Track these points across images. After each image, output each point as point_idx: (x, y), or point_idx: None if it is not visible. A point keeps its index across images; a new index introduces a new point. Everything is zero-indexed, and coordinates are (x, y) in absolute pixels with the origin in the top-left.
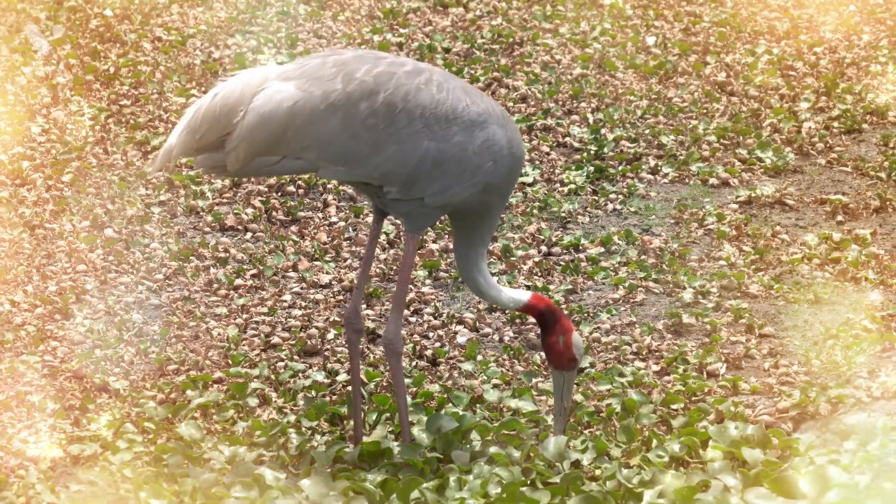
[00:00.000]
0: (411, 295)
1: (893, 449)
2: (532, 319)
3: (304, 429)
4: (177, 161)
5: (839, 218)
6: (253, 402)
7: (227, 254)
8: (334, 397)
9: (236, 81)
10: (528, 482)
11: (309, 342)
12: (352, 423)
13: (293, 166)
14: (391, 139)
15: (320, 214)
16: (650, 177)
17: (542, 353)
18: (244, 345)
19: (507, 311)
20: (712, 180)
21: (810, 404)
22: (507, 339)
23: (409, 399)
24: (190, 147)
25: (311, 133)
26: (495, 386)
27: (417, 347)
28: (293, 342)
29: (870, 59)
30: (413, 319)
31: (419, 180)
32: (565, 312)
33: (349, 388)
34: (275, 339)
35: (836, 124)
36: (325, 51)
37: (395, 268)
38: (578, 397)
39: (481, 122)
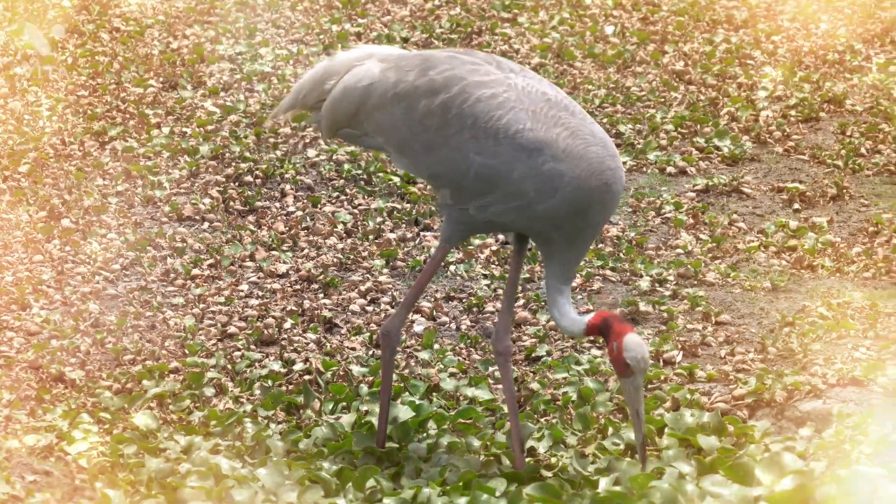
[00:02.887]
0: (368, 284)
1: (848, 436)
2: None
3: (260, 418)
4: (285, 114)
5: (796, 206)
6: (209, 391)
7: (185, 244)
8: (290, 387)
9: (347, 53)
10: (485, 471)
11: (266, 332)
12: (308, 412)
13: (373, 145)
14: (443, 143)
15: (277, 204)
16: None
17: None
18: (201, 334)
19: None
20: (669, 169)
21: (766, 391)
22: (464, 327)
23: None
24: (296, 104)
25: (378, 117)
26: (452, 374)
27: (374, 336)
28: (250, 332)
29: (827, 48)
30: (370, 308)
31: (467, 190)
32: (619, 317)
33: (306, 377)
34: (231, 329)
35: (793, 113)
36: (449, 49)
37: (352, 257)
38: (535, 385)
39: (532, 149)
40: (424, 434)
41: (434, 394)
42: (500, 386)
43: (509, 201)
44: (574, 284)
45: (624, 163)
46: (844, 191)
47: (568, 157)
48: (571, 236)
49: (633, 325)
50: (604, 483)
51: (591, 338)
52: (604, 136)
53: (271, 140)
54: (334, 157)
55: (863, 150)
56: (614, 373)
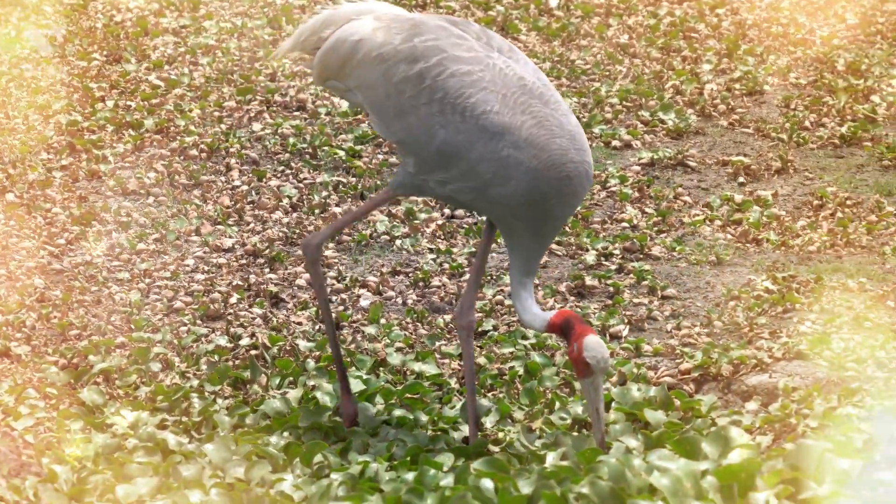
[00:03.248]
0: None
1: (794, 409)
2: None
3: (206, 393)
4: (287, 54)
5: (741, 179)
6: (155, 366)
7: (130, 218)
8: (237, 362)
9: (350, 6)
10: (433, 446)
11: (212, 307)
12: (255, 387)
13: (354, 101)
14: (412, 111)
15: (223, 178)
16: None
17: (443, 316)
18: (146, 309)
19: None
20: (615, 142)
21: (712, 365)
22: (410, 302)
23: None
24: (295, 47)
25: (360, 74)
26: (399, 349)
27: (321, 311)
28: (196, 307)
29: (771, 21)
30: None
31: (427, 162)
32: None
33: (252, 352)
34: (177, 304)
35: (737, 86)
36: (445, 17)
37: (297, 231)
38: (482, 360)
39: (494, 132)
40: (373, 408)
41: (381, 369)
42: (446, 360)
43: (466, 181)
44: None
45: None
46: (789, 164)
47: (529, 146)
48: (532, 228)
49: (593, 327)
50: (551, 458)
51: (552, 335)
52: (573, 129)
53: (216, 114)
54: (279, 130)
55: (807, 124)
56: (574, 373)
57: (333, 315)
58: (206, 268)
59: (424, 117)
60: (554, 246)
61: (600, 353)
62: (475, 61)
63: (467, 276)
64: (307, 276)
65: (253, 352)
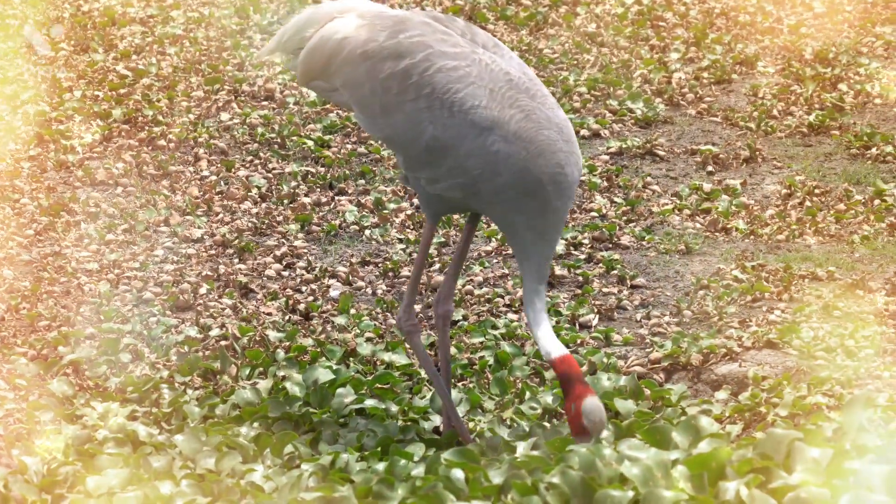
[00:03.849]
0: (283, 248)
1: (764, 398)
2: None
3: (176, 384)
4: (269, 56)
5: (709, 168)
6: (125, 357)
7: (98, 209)
8: (207, 352)
9: (332, 4)
10: (403, 436)
11: (181, 297)
12: (225, 377)
13: (340, 100)
14: (398, 107)
15: (192, 169)
16: None
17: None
18: (116, 300)
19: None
20: (583, 132)
21: (682, 355)
22: (380, 292)
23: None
24: (277, 48)
25: (345, 73)
26: (369, 339)
27: (290, 301)
28: (165, 297)
29: (739, 10)
30: (286, 273)
31: (415, 159)
32: (579, 364)
33: (222, 343)
34: (147, 295)
35: (705, 75)
36: (428, 13)
37: (266, 222)
38: (452, 350)
39: (483, 127)
40: (343, 399)
41: (351, 359)
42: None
43: (455, 177)
44: (489, 248)
45: None
46: (757, 153)
47: (517, 139)
48: (534, 223)
49: (591, 388)
50: (521, 447)
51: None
52: (561, 122)
53: (184, 104)
54: (248, 120)
55: (775, 112)
56: (569, 430)
57: (303, 306)
58: (176, 258)
59: (412, 113)
60: None
61: (599, 417)
62: (461, 57)
63: (436, 266)
64: (277, 266)
65: (223, 342)
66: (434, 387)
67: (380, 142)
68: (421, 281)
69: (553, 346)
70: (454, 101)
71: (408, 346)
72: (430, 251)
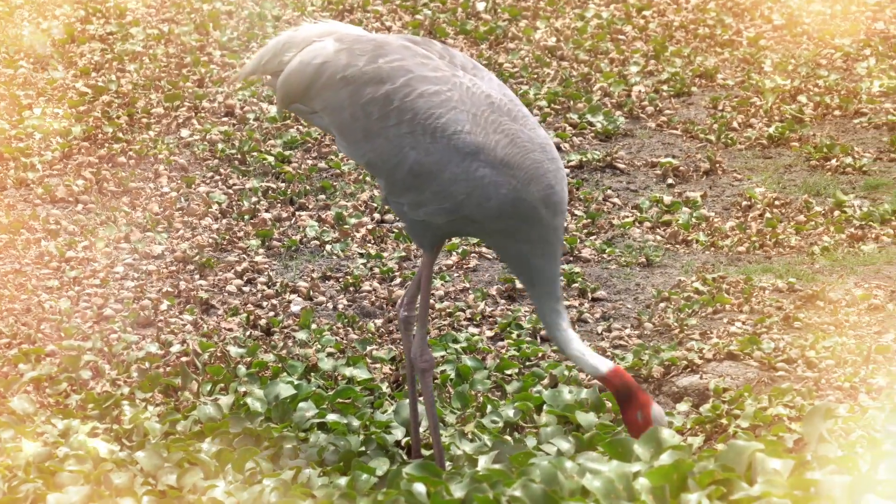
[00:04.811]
0: (244, 264)
1: (725, 410)
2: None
3: (137, 401)
4: (248, 78)
5: (670, 181)
6: (86, 374)
7: (59, 226)
8: (168, 369)
9: (310, 27)
10: (365, 450)
11: (142, 314)
12: (186, 393)
13: (320, 124)
14: (380, 132)
15: (152, 185)
16: None
17: (374, 321)
18: (77, 317)
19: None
20: None
21: (643, 367)
22: (341, 307)
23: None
24: (256, 70)
25: (326, 97)
26: (330, 354)
27: (251, 317)
28: (126, 314)
29: (698, 23)
30: (246, 289)
31: (398, 184)
32: (632, 379)
33: (183, 359)
34: (107, 311)
35: (665, 87)
36: (406, 36)
37: (227, 238)
38: None
39: (467, 153)
40: (304, 414)
41: (312, 374)
42: (377, 365)
43: (440, 202)
44: (450, 262)
45: None
46: (717, 165)
47: (505, 166)
48: (539, 248)
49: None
50: (483, 461)
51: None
52: (543, 141)
53: (144, 120)
54: (208, 136)
55: (734, 125)
56: (628, 432)
57: (264, 321)
58: (136, 275)
59: (394, 139)
60: (483, 249)
61: (665, 422)
62: (442, 81)
63: (397, 281)
64: (238, 281)
65: (184, 358)
66: (430, 429)
67: (360, 166)
68: (381, 294)
69: (599, 362)
70: (436, 127)
71: (419, 384)
72: (390, 265)
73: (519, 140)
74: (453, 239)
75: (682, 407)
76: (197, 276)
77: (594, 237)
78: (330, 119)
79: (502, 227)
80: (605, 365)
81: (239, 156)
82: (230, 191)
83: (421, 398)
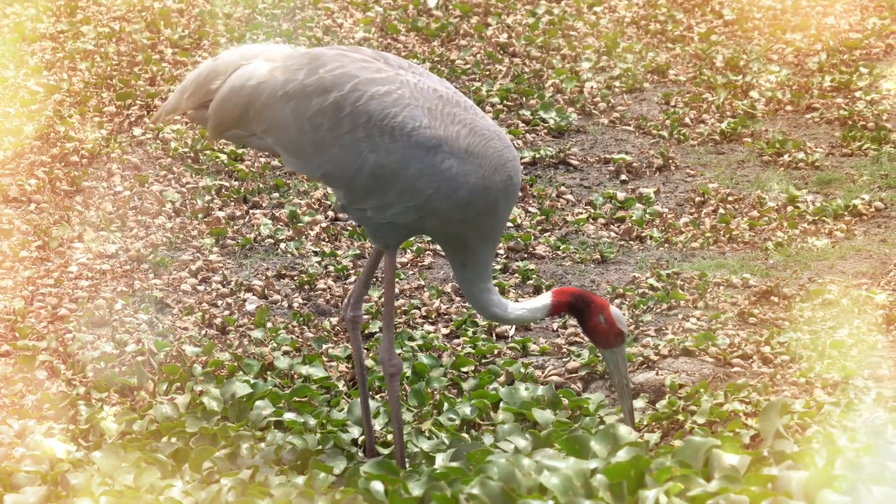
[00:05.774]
0: (199, 263)
1: (681, 406)
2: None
3: (93, 400)
4: (170, 116)
5: (623, 177)
6: (41, 374)
7: (11, 225)
8: (123, 368)
9: (231, 53)
10: (322, 448)
11: (97, 313)
12: (142, 393)
13: (262, 146)
14: (334, 142)
15: (105, 184)
16: None
17: (330, 319)
18: (31, 317)
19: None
20: None
21: (599, 364)
22: (296, 305)
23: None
24: (179, 106)
25: (267, 117)
26: (286, 353)
27: (206, 316)
28: (81, 313)
29: (649, 18)
30: (201, 288)
31: (359, 190)
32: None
33: (139, 358)
34: (62, 311)
35: (617, 84)
36: (335, 46)
37: (181, 236)
38: (368, 363)
39: (429, 146)
40: (261, 412)
41: (268, 373)
42: (333, 363)
43: (406, 200)
44: (404, 260)
45: None
46: (670, 161)
47: (470, 156)
48: (487, 234)
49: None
50: (440, 459)
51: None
52: (497, 129)
53: (96, 119)
54: (161, 135)
55: (687, 120)
56: (596, 345)
57: (219, 320)
58: (90, 274)
59: (350, 145)
60: (438, 247)
61: (625, 320)
62: (389, 81)
63: (352, 279)
64: (193, 280)
65: (139, 358)
66: (394, 433)
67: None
68: (336, 293)
69: (540, 302)
70: (394, 126)
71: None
72: (345, 263)
73: (478, 129)
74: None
75: (639, 403)
76: (151, 276)
77: (548, 234)
78: (274, 139)
79: (462, 217)
80: (545, 297)
81: (192, 154)
82: (183, 189)
83: (379, 397)
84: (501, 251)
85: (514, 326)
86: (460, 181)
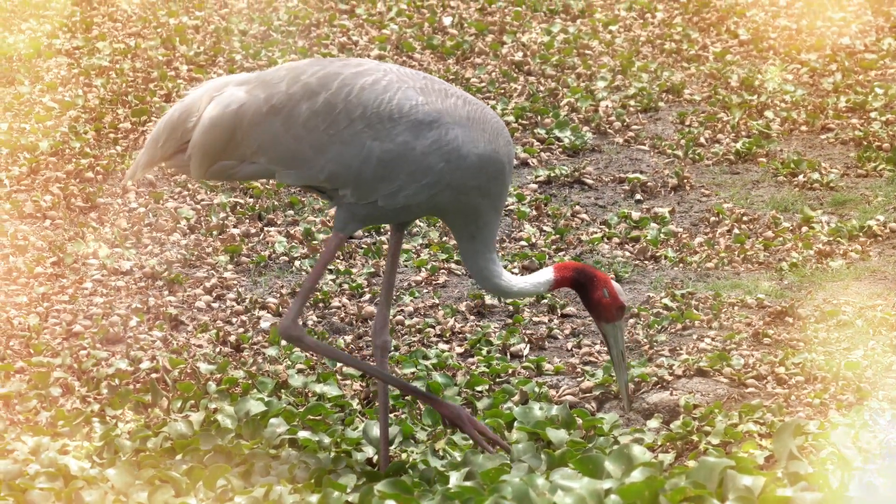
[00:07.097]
0: (213, 280)
1: (696, 426)
2: None
3: (108, 417)
4: (145, 171)
5: (638, 196)
6: (56, 391)
7: (27, 242)
8: (138, 385)
9: (197, 91)
10: (336, 467)
11: (111, 330)
12: (156, 410)
13: (252, 171)
14: (333, 140)
15: (119, 201)
16: None
17: (344, 337)
18: (46, 333)
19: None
20: None
21: (613, 384)
22: (311, 323)
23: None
24: (155, 157)
25: (257, 136)
26: (300, 371)
27: (221, 333)
28: (95, 330)
29: (664, 38)
30: (216, 305)
31: (368, 182)
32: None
33: (153, 375)
34: (77, 328)
35: (632, 103)
36: (305, 60)
37: (196, 253)
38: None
39: (430, 121)
40: (275, 430)
41: (282, 391)
42: (347, 382)
43: (419, 179)
44: (419, 278)
45: None
46: (685, 181)
47: (473, 122)
48: (496, 202)
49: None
50: (454, 478)
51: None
52: (480, 103)
53: (111, 135)
54: None
55: (702, 140)
56: (597, 320)
57: (234, 338)
58: (105, 291)
59: (351, 139)
60: (452, 265)
61: (625, 295)
62: (373, 71)
63: (367, 297)
64: (207, 297)
65: (154, 375)
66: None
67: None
68: (351, 311)
69: (542, 276)
70: (392, 109)
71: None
72: (360, 282)
73: (470, 100)
74: (422, 255)
75: (653, 423)
76: (166, 293)
77: (563, 253)
78: (267, 157)
79: (475, 185)
80: (547, 272)
81: None
82: (198, 206)
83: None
84: (516, 270)
85: (528, 346)
86: (469, 148)
